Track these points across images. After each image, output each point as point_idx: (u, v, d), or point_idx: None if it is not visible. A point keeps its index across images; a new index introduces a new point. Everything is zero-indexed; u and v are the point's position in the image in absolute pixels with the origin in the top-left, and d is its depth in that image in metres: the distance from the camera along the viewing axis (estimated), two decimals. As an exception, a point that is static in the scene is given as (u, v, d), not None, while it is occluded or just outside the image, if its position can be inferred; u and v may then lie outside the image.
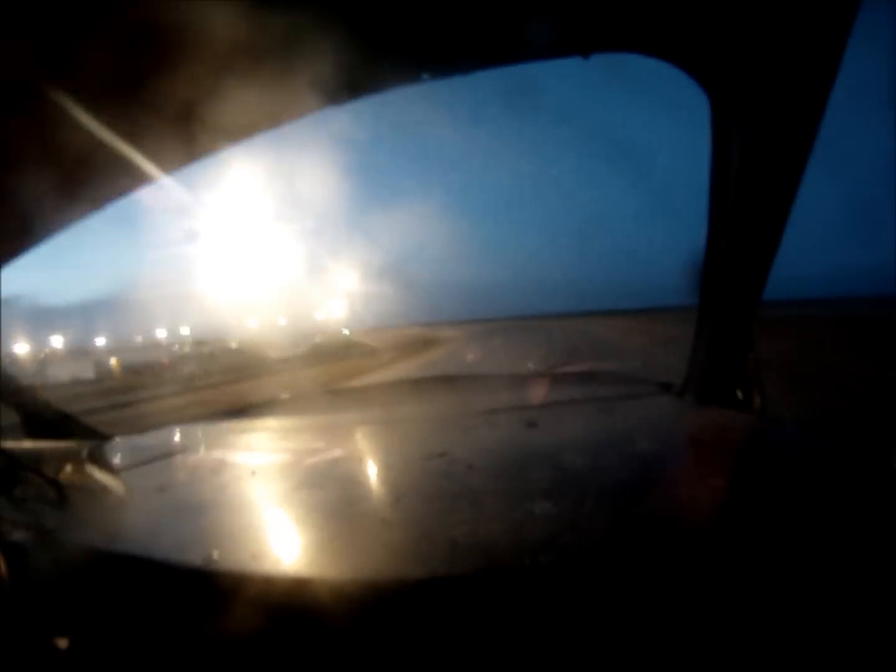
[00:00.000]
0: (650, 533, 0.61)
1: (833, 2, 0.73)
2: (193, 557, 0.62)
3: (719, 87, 0.92)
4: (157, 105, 0.82)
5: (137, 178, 0.94)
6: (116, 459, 1.11)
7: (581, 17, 0.81)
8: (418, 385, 1.87)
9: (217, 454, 1.21)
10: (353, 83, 0.89)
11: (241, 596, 0.59)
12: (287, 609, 0.57)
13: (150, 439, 1.41)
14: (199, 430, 1.52)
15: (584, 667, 0.53)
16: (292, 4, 0.73)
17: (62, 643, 0.64)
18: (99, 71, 0.74)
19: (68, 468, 0.88)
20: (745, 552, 0.57)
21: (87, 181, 0.90)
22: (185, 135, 0.89)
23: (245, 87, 0.81)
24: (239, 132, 0.93)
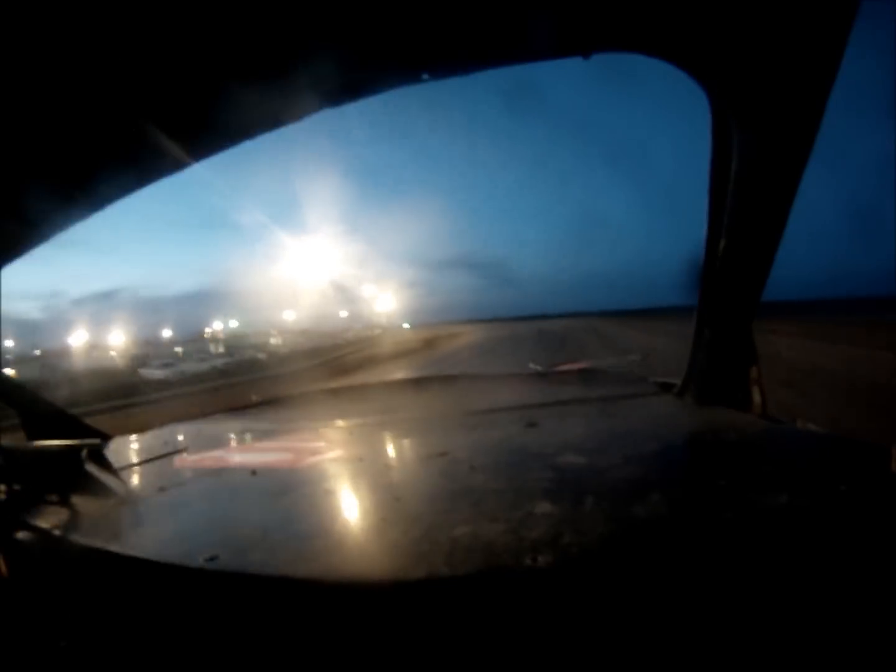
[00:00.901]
0: (650, 533, 0.62)
1: (833, 2, 0.73)
2: (194, 557, 0.62)
3: (719, 86, 0.92)
4: (157, 105, 0.82)
5: (138, 179, 0.94)
6: (117, 459, 1.11)
7: (581, 17, 0.81)
8: (419, 384, 1.87)
9: (217, 453, 1.21)
10: (353, 83, 0.89)
11: (241, 596, 0.59)
12: (287, 609, 0.57)
13: (150, 439, 1.41)
14: (200, 429, 1.52)
15: (585, 667, 0.53)
16: (292, 4, 0.73)
17: (63, 643, 0.64)
18: (99, 70, 0.75)
19: (69, 468, 0.88)
20: (746, 552, 0.57)
21: (87, 182, 0.90)
22: (186, 135, 0.89)
23: (245, 87, 0.81)
24: (239, 132, 0.93)
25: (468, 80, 0.93)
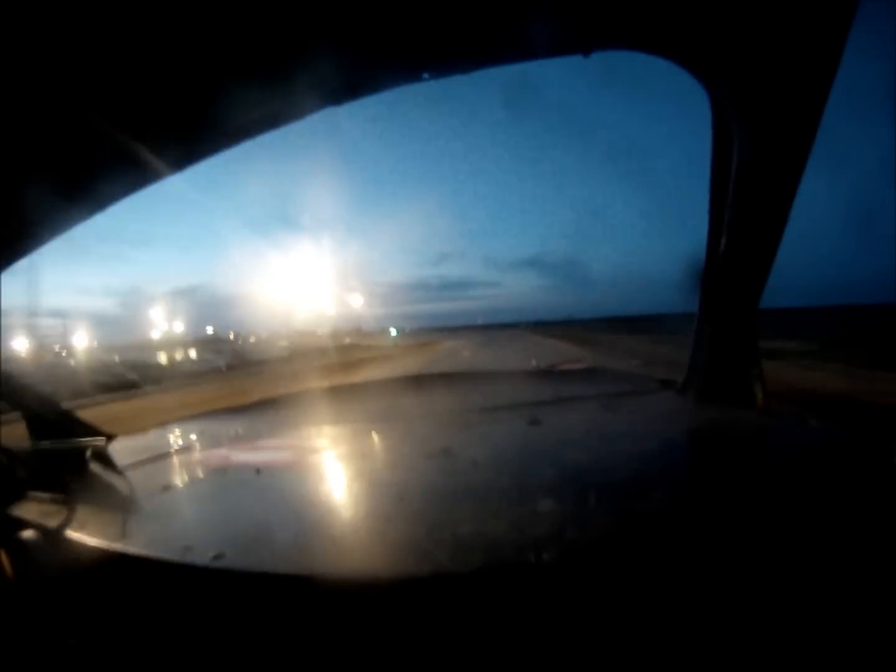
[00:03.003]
0: (654, 529, 0.62)
1: (832, 1, 0.73)
2: (197, 555, 0.63)
3: (719, 84, 0.92)
4: (158, 105, 0.82)
5: (139, 179, 0.94)
6: (120, 458, 1.11)
7: (581, 15, 0.81)
8: (422, 381, 1.88)
9: (221, 452, 1.21)
10: (353, 82, 0.89)
11: (246, 594, 0.59)
12: (292, 606, 0.57)
13: (153, 438, 1.41)
14: (203, 429, 1.52)
15: (588, 662, 0.53)
16: (293, 3, 0.73)
17: (68, 641, 0.64)
18: (99, 71, 0.75)
19: (73, 467, 0.88)
20: (748, 547, 0.58)
21: (88, 182, 0.90)
22: (186, 135, 0.89)
23: (245, 87, 0.81)
24: (239, 132, 0.93)
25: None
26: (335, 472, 0.95)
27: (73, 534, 0.73)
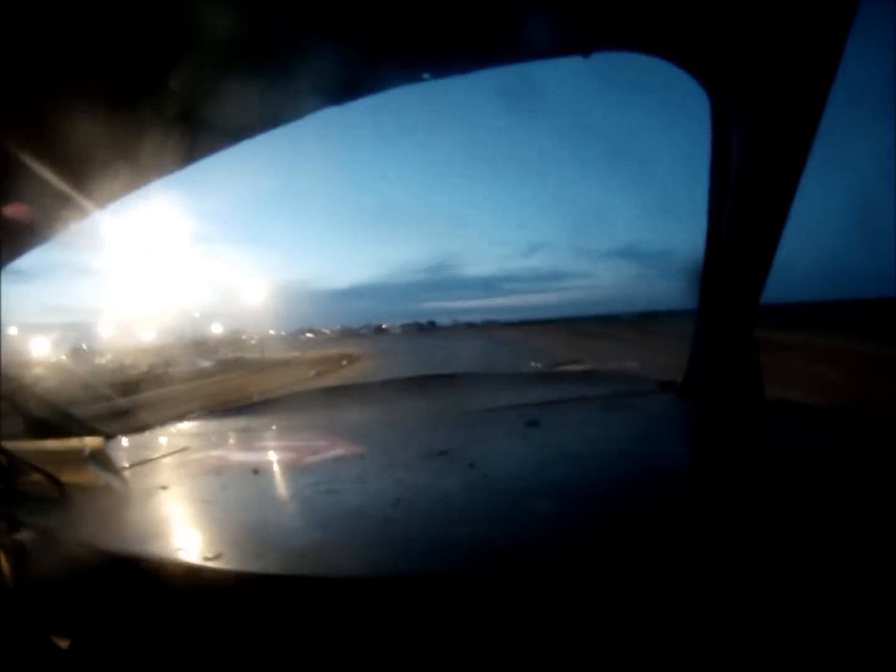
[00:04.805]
0: (651, 531, 0.62)
1: (832, 1, 0.73)
2: (195, 556, 0.63)
3: (720, 85, 0.92)
4: (159, 105, 0.82)
5: (139, 178, 0.94)
6: (118, 458, 1.11)
7: (581, 16, 0.81)
8: (420, 382, 1.88)
9: (219, 452, 1.21)
10: (353, 82, 0.89)
11: (243, 594, 0.59)
12: (289, 608, 0.57)
13: (151, 438, 1.41)
14: (201, 429, 1.52)
15: (587, 664, 0.53)
16: (293, 4, 0.73)
17: (63, 642, 0.64)
18: (100, 71, 0.75)
19: (70, 467, 0.88)
20: (747, 550, 0.58)
21: (88, 181, 0.90)
22: (186, 135, 0.89)
23: (245, 87, 0.81)
24: (239, 132, 0.93)
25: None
26: (332, 473, 0.95)
27: (70, 534, 0.73)
